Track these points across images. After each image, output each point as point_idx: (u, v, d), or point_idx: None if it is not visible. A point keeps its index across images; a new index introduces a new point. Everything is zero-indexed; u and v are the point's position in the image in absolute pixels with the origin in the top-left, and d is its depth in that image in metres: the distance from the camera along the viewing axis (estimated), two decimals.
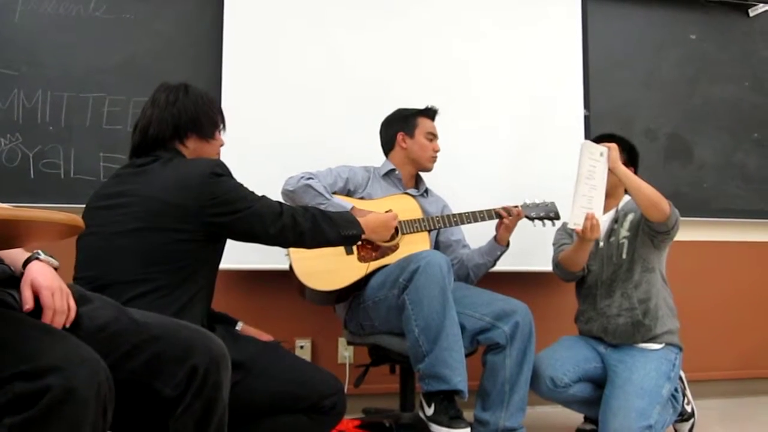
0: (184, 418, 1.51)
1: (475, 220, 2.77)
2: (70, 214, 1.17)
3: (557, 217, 2.88)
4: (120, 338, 1.52)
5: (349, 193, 2.82)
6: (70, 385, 1.20)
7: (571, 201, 2.64)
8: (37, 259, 1.59)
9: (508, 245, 2.85)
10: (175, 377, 1.50)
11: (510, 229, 2.81)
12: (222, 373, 1.57)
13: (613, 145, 2.71)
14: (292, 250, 2.58)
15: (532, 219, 2.86)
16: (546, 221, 2.88)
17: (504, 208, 2.80)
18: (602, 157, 2.67)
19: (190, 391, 1.51)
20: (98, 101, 3.17)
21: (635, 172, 2.83)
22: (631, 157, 2.90)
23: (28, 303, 1.46)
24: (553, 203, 2.88)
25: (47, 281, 1.50)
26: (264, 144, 3.20)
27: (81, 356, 1.26)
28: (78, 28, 3.18)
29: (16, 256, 1.63)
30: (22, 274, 1.57)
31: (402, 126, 2.92)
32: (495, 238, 2.84)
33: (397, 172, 2.92)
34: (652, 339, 2.72)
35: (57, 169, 3.11)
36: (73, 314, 1.51)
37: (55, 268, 1.61)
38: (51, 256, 1.63)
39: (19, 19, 3.12)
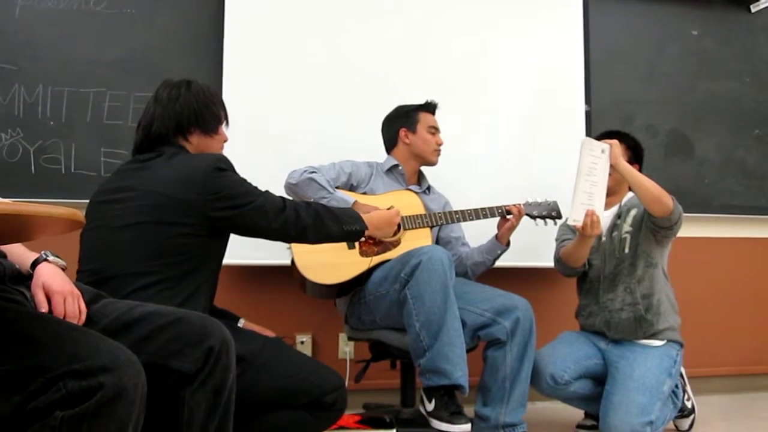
0: (198, 395, 1.55)
1: (477, 218, 2.77)
2: (70, 209, 1.17)
3: (559, 216, 2.88)
4: (136, 325, 1.57)
5: (351, 188, 2.82)
6: (121, 385, 1.27)
7: (571, 197, 2.64)
8: (46, 260, 1.61)
9: (508, 244, 2.85)
10: (192, 356, 1.54)
11: (513, 228, 2.81)
12: (231, 357, 1.61)
13: (615, 142, 2.70)
14: (293, 243, 2.58)
15: (533, 218, 2.87)
16: (548, 220, 2.88)
17: (507, 208, 2.80)
18: (604, 153, 2.67)
19: (206, 369, 1.55)
20: (99, 96, 3.17)
21: (640, 170, 2.83)
22: (635, 154, 2.90)
23: (44, 306, 1.53)
24: (555, 202, 2.88)
25: (58, 285, 1.55)
26: (266, 138, 3.19)
27: (127, 357, 1.32)
28: (78, 22, 3.17)
29: (20, 253, 1.65)
30: (29, 273, 1.59)
31: (403, 122, 2.92)
32: (496, 236, 2.84)
33: (400, 168, 2.92)
34: (654, 335, 2.73)
35: (58, 165, 3.11)
36: (83, 317, 1.56)
37: (63, 269, 1.63)
38: (58, 257, 1.65)
39: (19, 14, 3.11)
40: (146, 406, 1.36)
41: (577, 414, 3.01)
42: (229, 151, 2.16)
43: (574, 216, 2.64)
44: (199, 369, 1.53)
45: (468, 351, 2.50)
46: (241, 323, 2.34)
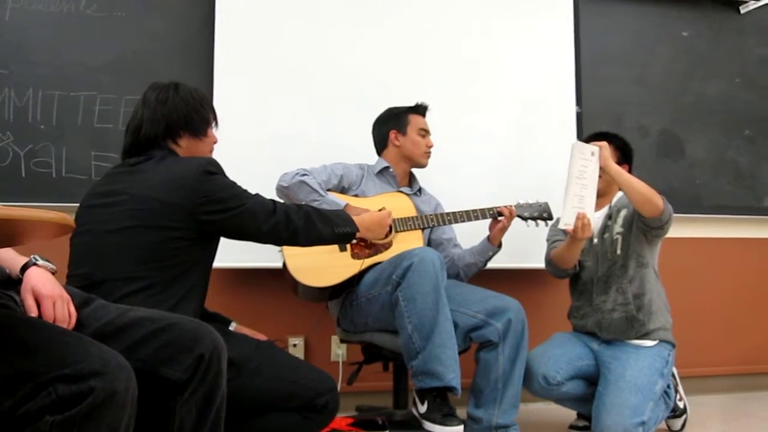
0: (189, 403, 1.54)
1: (469, 219, 2.77)
2: (60, 213, 1.17)
3: (550, 218, 2.88)
4: (128, 330, 1.56)
5: (343, 191, 2.82)
6: (111, 389, 1.26)
7: (562, 201, 2.65)
8: (35, 264, 1.60)
9: (500, 246, 2.85)
10: (183, 364, 1.53)
11: (505, 229, 2.81)
12: (222, 363, 1.61)
13: (604, 144, 2.71)
14: (285, 246, 2.58)
15: (525, 219, 2.87)
16: (539, 221, 2.88)
17: (498, 209, 2.80)
18: (593, 156, 2.68)
19: (196, 377, 1.54)
20: (89, 100, 3.16)
21: (629, 170, 2.83)
22: (625, 154, 2.91)
23: (33, 311, 1.52)
24: (546, 203, 2.89)
25: (48, 290, 1.55)
26: (258, 141, 3.19)
27: (117, 361, 1.31)
28: (69, 26, 3.16)
29: (10, 258, 1.64)
30: (18, 278, 1.58)
31: (394, 124, 2.92)
32: (488, 238, 2.84)
33: (391, 170, 2.92)
34: (646, 335, 2.73)
35: (48, 168, 3.10)
36: (74, 321, 1.56)
37: (53, 273, 1.62)
38: (48, 261, 1.64)
39: (9, 17, 3.10)
40: (137, 413, 1.35)
41: (570, 415, 3.01)
42: (219, 154, 2.15)
43: (565, 219, 2.64)
44: (190, 377, 1.53)
45: (460, 353, 2.50)
46: (233, 326, 2.33)
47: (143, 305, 1.71)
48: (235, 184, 2.00)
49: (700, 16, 4.04)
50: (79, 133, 3.14)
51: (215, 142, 2.19)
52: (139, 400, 1.36)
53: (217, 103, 2.23)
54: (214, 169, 1.97)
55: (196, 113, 2.09)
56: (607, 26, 3.89)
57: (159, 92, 2.08)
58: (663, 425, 2.93)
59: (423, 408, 2.41)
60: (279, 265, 2.67)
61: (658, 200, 2.61)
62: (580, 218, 2.63)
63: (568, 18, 3.68)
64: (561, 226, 2.67)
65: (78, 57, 3.17)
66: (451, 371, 2.36)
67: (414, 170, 3.01)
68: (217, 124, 2.19)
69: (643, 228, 2.71)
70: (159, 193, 1.91)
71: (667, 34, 3.99)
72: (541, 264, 3.03)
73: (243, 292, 3.28)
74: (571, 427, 2.97)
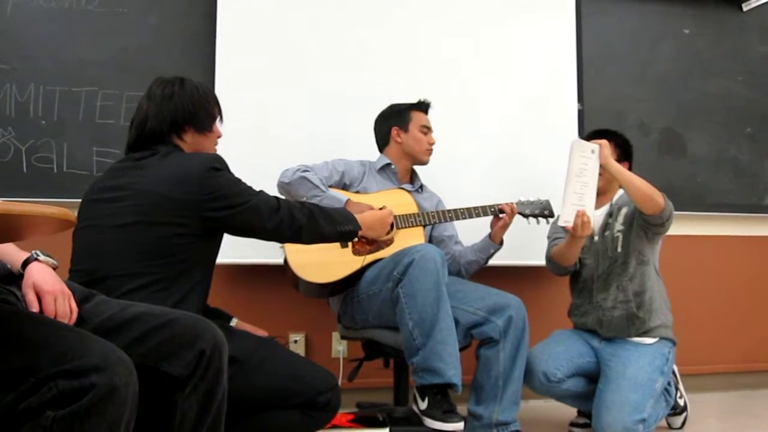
0: (190, 399, 1.54)
1: (470, 216, 2.77)
2: (62, 208, 1.17)
3: (551, 215, 2.88)
4: (129, 326, 1.56)
5: (344, 187, 2.82)
6: (112, 384, 1.26)
7: (562, 198, 2.65)
8: (37, 260, 1.60)
9: (501, 243, 2.86)
10: (184, 360, 1.53)
11: (506, 227, 2.81)
12: (223, 359, 1.60)
13: (604, 142, 2.70)
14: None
15: (526, 216, 2.87)
16: (540, 219, 2.88)
17: (499, 206, 2.80)
18: (593, 154, 2.67)
19: (197, 373, 1.54)
20: (91, 95, 3.16)
21: (630, 167, 2.83)
22: (625, 152, 2.90)
23: (34, 306, 1.52)
24: (547, 201, 2.89)
25: (49, 285, 1.55)
26: (259, 137, 3.19)
27: (118, 357, 1.31)
28: (71, 21, 3.16)
29: (11, 253, 1.64)
30: (20, 273, 1.58)
31: (396, 120, 2.92)
32: (489, 235, 2.84)
33: (393, 167, 2.92)
34: (646, 332, 2.73)
35: (50, 164, 3.10)
36: (75, 317, 1.56)
37: (54, 268, 1.62)
38: (49, 256, 1.64)
39: (11, 13, 3.10)
40: (138, 408, 1.35)
41: (571, 412, 3.01)
42: (221, 150, 2.16)
43: (564, 217, 2.64)
44: (191, 373, 1.53)
45: (461, 349, 2.50)
46: (234, 322, 2.33)
47: (146, 302, 1.70)
48: (240, 180, 2.00)
49: (703, 14, 4.04)
50: (80, 128, 3.14)
51: (220, 136, 2.19)
52: (140, 396, 1.35)
53: (219, 98, 2.22)
54: (220, 166, 1.96)
55: (201, 109, 2.08)
56: (609, 23, 3.89)
57: (164, 87, 2.07)
58: (663, 422, 2.93)
59: (423, 404, 2.41)
60: (280, 261, 2.67)
61: (659, 198, 2.60)
62: (580, 216, 2.63)
63: (570, 15, 3.68)
64: (560, 223, 2.67)
65: (79, 52, 3.17)
66: (451, 368, 2.36)
67: (415, 167, 3.01)
68: (222, 118, 2.19)
69: (644, 226, 2.71)
70: (164, 188, 1.90)
71: (669, 31, 3.99)
72: (542, 261, 3.03)
73: (244, 287, 3.28)
74: (572, 424, 2.97)
